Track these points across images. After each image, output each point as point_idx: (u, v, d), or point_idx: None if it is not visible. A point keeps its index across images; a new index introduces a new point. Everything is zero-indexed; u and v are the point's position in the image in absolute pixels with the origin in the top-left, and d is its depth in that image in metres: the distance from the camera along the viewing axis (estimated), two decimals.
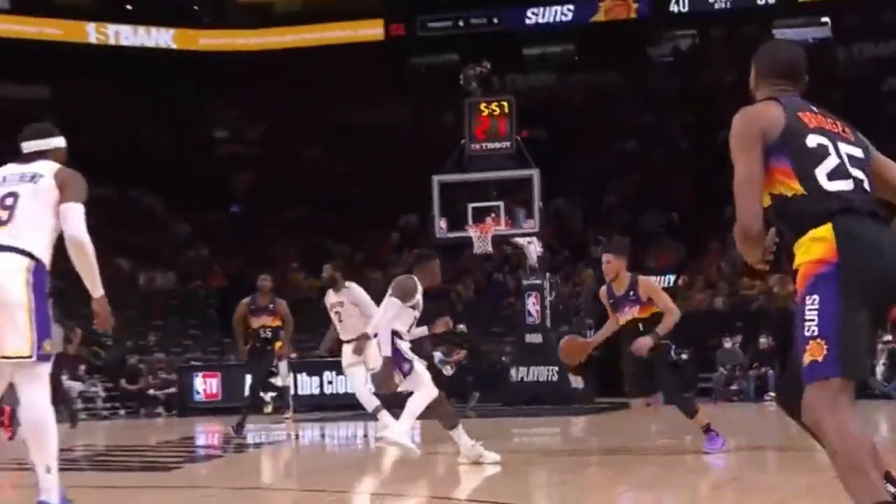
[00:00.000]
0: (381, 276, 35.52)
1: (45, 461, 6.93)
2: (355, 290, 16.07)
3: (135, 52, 43.72)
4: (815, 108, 5.26)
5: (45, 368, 7.04)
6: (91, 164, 34.85)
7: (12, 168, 7.44)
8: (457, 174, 28.08)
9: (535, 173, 27.57)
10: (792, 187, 5.06)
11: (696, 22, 42.67)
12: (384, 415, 15.10)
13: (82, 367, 30.56)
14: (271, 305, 18.26)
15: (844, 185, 5.06)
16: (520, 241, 27.78)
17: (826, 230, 4.94)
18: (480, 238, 27.46)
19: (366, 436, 19.30)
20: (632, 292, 12.40)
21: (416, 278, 12.43)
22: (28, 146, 7.59)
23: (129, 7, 44.60)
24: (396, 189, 37.07)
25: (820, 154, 5.09)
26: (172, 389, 30.04)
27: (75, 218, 7.09)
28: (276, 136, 43.85)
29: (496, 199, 27.71)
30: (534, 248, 27.76)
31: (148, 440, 18.01)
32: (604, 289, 12.88)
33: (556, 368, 26.26)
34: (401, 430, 11.88)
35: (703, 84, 39.93)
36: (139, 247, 37.00)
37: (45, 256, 7.16)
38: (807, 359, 4.92)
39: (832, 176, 5.07)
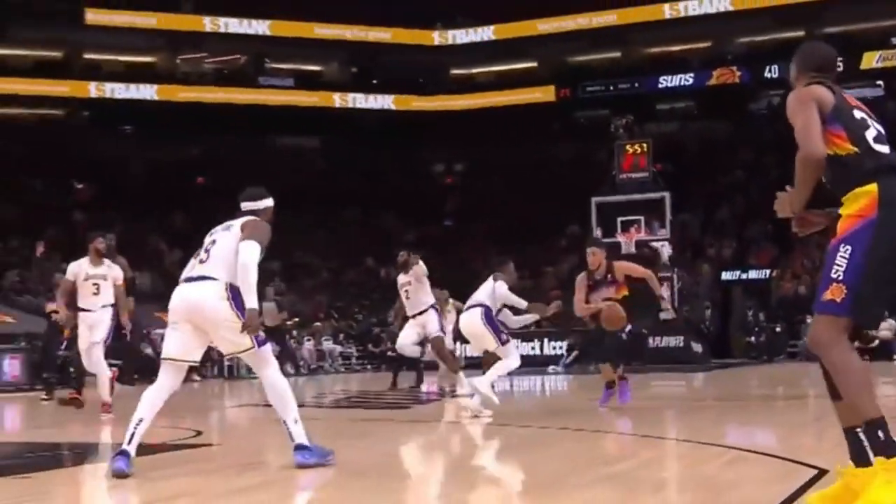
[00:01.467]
0: (553, 270, 35.63)
1: (291, 416, 6.79)
2: (419, 270, 14.86)
3: (372, 112, 44.47)
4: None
5: (267, 349, 6.88)
6: (344, 193, 35.58)
7: (226, 223, 7.16)
8: (609, 196, 28.11)
9: (666, 195, 27.55)
10: (845, 148, 4.75)
11: (784, 84, 41.92)
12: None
13: (341, 335, 31.14)
14: (609, 276, 16.77)
15: (887, 149, 4.78)
16: (655, 244, 27.65)
17: (872, 188, 4.61)
18: (626, 242, 27.57)
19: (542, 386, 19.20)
20: (609, 275, 11.29)
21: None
22: (243, 205, 7.32)
23: (374, 81, 45.27)
24: (563, 207, 37.19)
25: (864, 124, 4.85)
26: None
27: (246, 251, 6.72)
28: (476, 170, 44.25)
29: (638, 214, 27.59)
30: (665, 250, 27.66)
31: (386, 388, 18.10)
32: (583, 276, 11.49)
33: (682, 338, 26.19)
34: (486, 382, 10.94)
35: (790, 131, 39.10)
36: (377, 251, 37.45)
37: (234, 277, 6.77)
38: (826, 296, 4.60)
39: (877, 140, 4.81)
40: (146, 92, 42.02)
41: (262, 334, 6.81)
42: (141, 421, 6.73)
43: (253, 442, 9.73)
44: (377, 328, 31.86)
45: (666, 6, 42.50)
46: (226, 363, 25.01)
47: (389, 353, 29.99)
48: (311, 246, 37.30)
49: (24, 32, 40.53)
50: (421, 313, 14.82)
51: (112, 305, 12.65)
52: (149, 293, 25.97)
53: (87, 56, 42.73)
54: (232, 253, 6.80)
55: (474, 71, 46.56)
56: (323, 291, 35.21)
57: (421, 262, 14.87)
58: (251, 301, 6.63)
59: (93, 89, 41.50)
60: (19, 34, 40.78)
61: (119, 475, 6.50)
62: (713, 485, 6.04)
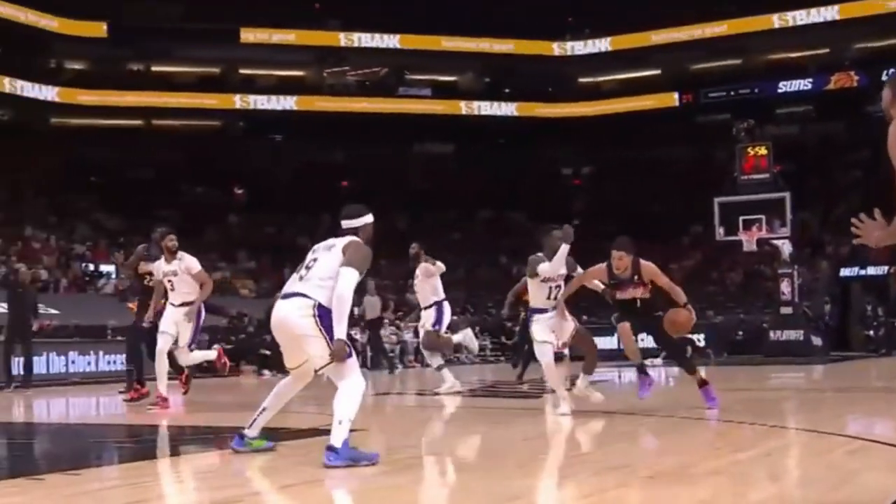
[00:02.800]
0: (677, 266, 35.15)
1: (344, 416, 6.45)
2: (426, 268, 13.91)
3: (501, 119, 44.45)
4: None
5: (351, 362, 6.59)
6: (477, 195, 35.60)
7: (328, 241, 7.00)
8: (731, 196, 27.68)
9: (786, 195, 26.97)
10: None
11: None
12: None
13: (476, 328, 31.19)
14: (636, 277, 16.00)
15: None
16: (776, 242, 27.11)
17: None
18: (748, 240, 27.14)
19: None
20: (636, 276, 10.21)
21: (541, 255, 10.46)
22: (343, 224, 7.06)
23: (507, 90, 45.26)
24: (685, 207, 36.77)
25: None
26: None
27: (344, 280, 6.53)
28: (602, 172, 43.99)
29: (759, 213, 27.11)
30: (786, 247, 27.07)
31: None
32: (602, 268, 10.46)
33: (802, 331, 25.75)
34: (585, 383, 10.40)
35: None
36: (509, 249, 37.40)
37: (327, 302, 6.58)
38: None
39: None
40: (286, 103, 42.77)
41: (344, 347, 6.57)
42: (265, 409, 7.05)
43: (398, 428, 9.77)
44: (509, 322, 31.82)
45: (775, 16, 41.68)
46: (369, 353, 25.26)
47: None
48: (448, 245, 37.49)
49: (188, 51, 41.64)
50: (425, 308, 14.04)
51: (191, 303, 11.94)
52: None
53: (242, 71, 43.68)
54: (330, 273, 6.67)
55: (600, 79, 46.21)
56: (459, 288, 35.32)
57: (437, 263, 13.95)
58: (340, 331, 6.49)
59: (238, 101, 42.42)
60: (184, 53, 41.92)
61: (233, 451, 7.01)
62: (838, 473, 5.87)
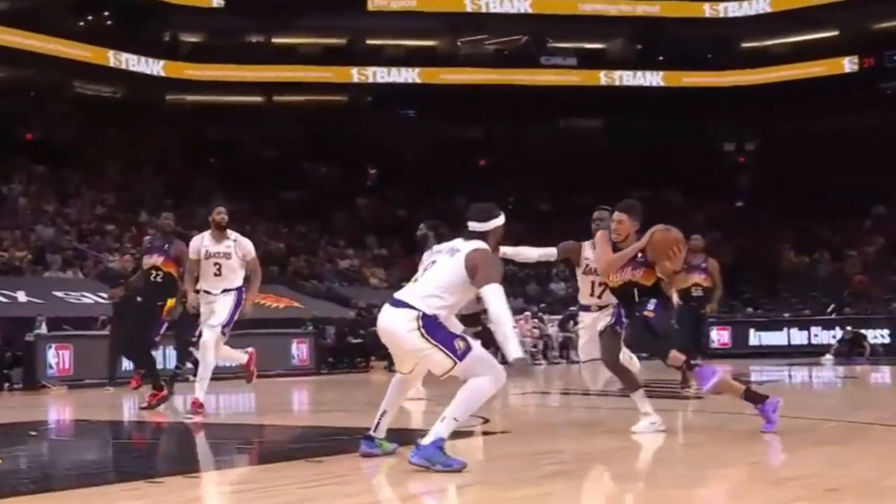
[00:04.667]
0: (857, 254, 34.22)
1: (456, 416, 6.49)
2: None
3: (653, 89, 43.72)
4: None
5: (473, 357, 6.56)
6: (628, 173, 35.32)
7: (451, 242, 6.96)
8: None
9: None
10: None
11: None
12: None
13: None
14: (703, 264, 14.53)
15: None
16: None
17: None
18: None
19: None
20: (640, 254, 8.45)
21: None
22: (471, 225, 6.95)
23: (660, 58, 44.54)
24: (867, 185, 35.72)
25: None
26: None
27: (490, 300, 6.51)
28: (769, 147, 43.05)
29: None
30: None
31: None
32: (604, 234, 8.84)
33: None
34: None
35: None
36: None
37: (437, 311, 6.64)
38: None
39: None
40: (408, 75, 42.75)
41: (460, 345, 6.60)
42: (385, 412, 7.25)
43: (542, 430, 9.72)
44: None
45: None
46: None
47: None
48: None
49: (311, 21, 42.12)
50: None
51: (237, 289, 11.38)
52: None
53: (369, 42, 44.01)
54: (445, 283, 6.70)
55: (767, 43, 45.09)
56: None
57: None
58: (514, 350, 6.43)
59: (355, 74, 42.55)
60: (307, 23, 42.44)
61: (364, 455, 7.17)
62: None
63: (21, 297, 22.29)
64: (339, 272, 33.08)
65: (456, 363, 6.57)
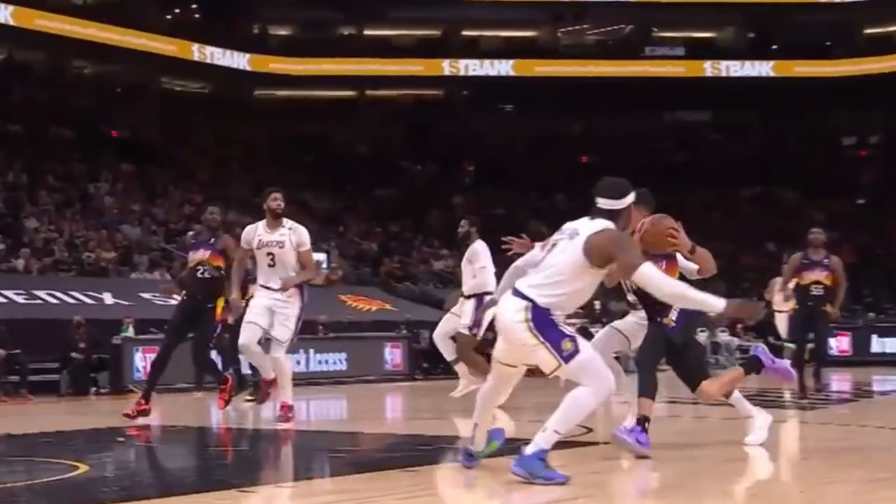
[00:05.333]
0: None
1: (557, 428, 6.35)
2: (476, 248, 13.03)
3: (766, 80, 43.04)
4: None
5: (579, 362, 6.35)
6: (740, 170, 34.81)
7: (575, 223, 6.64)
8: None
9: None
10: None
11: None
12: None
13: (738, 326, 30.57)
14: (826, 261, 13.98)
15: None
16: None
17: None
18: None
19: None
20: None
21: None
22: (601, 202, 6.63)
23: (774, 47, 43.88)
24: None
25: None
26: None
27: (647, 283, 6.37)
28: (894, 141, 42.18)
29: None
30: None
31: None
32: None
33: None
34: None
35: None
36: (781, 230, 36.43)
37: (552, 301, 6.41)
38: None
39: None
40: (501, 68, 42.60)
41: (568, 346, 6.38)
42: (476, 425, 7.08)
43: (657, 437, 9.58)
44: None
45: None
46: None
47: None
48: (705, 228, 36.71)
49: (405, 12, 42.27)
50: (467, 298, 13.07)
51: (298, 289, 11.11)
52: None
53: (465, 33, 44.04)
54: (563, 270, 6.45)
55: (891, 29, 44.10)
56: (718, 277, 34.57)
57: (483, 245, 13.02)
58: (714, 302, 6.32)
59: (446, 67, 42.52)
60: (400, 14, 42.61)
61: (464, 466, 7.03)
62: None
63: (107, 298, 22.64)
64: (433, 273, 33.13)
65: (560, 364, 6.39)
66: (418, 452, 8.80)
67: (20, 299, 21.37)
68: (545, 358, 6.41)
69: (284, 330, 10.96)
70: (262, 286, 11.14)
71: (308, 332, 23.18)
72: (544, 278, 6.49)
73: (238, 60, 39.70)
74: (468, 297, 13.01)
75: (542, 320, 6.38)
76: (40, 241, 25.85)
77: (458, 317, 13.11)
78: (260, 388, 11.98)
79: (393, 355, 23.12)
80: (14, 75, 36.03)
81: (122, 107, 37.66)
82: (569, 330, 6.49)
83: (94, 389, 18.41)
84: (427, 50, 42.66)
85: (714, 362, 28.15)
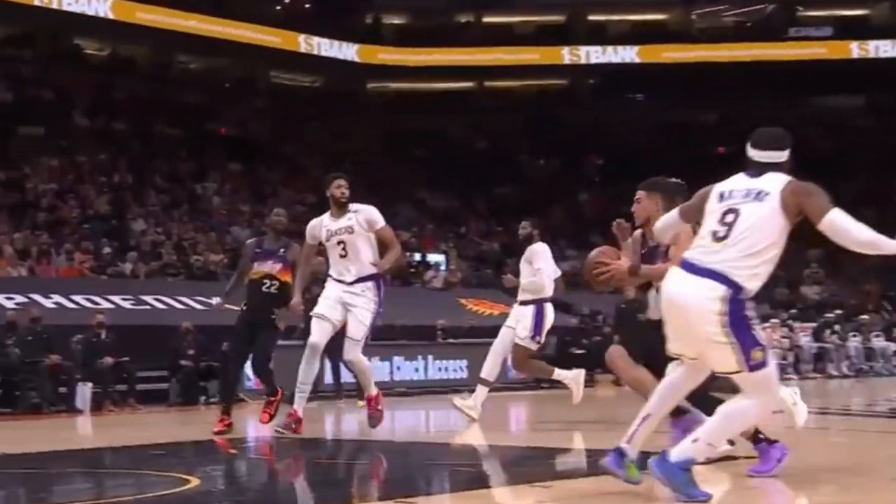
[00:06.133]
0: None
1: (710, 440, 6.00)
2: (535, 249, 12.84)
3: None
4: None
5: (760, 376, 5.95)
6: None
7: (738, 182, 6.29)
8: None
9: None
10: None
11: None
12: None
13: (895, 331, 30.04)
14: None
15: None
16: None
17: None
18: None
19: None
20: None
21: None
22: (762, 155, 6.37)
23: None
24: None
25: None
26: None
27: (836, 229, 5.99)
28: None
29: None
30: None
31: None
32: (637, 234, 8.04)
33: None
34: None
35: None
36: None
37: (749, 282, 5.95)
38: None
39: None
40: (626, 54, 42.14)
41: (758, 355, 5.94)
42: (648, 416, 6.32)
43: (793, 456, 9.35)
44: None
45: None
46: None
47: None
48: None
49: None
50: (522, 304, 13.00)
51: (374, 279, 10.72)
52: None
53: (591, 18, 43.81)
54: (763, 238, 5.99)
55: None
56: (873, 279, 33.84)
57: (544, 247, 13.00)
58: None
59: (566, 55, 42.20)
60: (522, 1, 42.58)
61: (606, 472, 6.35)
62: None
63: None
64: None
65: (744, 370, 5.96)
66: (547, 465, 8.71)
67: (127, 305, 21.65)
68: (727, 359, 5.97)
69: (360, 326, 10.62)
70: (334, 279, 10.77)
71: (426, 338, 23.31)
72: (740, 252, 6.00)
73: (346, 52, 39.79)
74: (523, 303, 13.02)
75: (738, 316, 5.91)
76: (147, 244, 26.21)
77: (513, 328, 13.11)
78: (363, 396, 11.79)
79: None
80: (117, 71, 36.68)
81: (230, 103, 38.15)
82: (761, 336, 6.05)
83: (203, 398, 18.61)
84: (549, 37, 42.52)
85: (868, 369, 27.67)
